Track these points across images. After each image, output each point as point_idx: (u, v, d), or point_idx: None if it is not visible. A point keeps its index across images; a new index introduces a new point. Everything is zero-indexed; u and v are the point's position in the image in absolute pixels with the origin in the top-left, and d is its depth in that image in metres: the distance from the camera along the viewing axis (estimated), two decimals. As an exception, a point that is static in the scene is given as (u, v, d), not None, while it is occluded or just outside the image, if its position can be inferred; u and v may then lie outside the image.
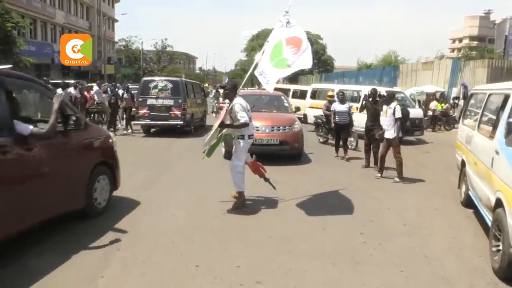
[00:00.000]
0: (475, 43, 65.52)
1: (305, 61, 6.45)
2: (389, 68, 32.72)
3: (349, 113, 10.99)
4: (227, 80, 7.62)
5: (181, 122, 14.59)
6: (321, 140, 13.44)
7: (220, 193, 6.44)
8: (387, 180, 8.52)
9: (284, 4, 6.97)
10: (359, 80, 32.86)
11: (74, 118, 5.20)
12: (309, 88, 19.23)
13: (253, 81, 65.93)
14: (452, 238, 5.40)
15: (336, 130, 11.03)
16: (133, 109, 14.95)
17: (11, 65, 16.22)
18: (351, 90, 17.27)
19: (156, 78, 15.83)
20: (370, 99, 9.76)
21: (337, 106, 10.99)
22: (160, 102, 14.46)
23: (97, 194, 5.58)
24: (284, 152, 9.98)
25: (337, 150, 10.96)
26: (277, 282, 4.01)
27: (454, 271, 4.44)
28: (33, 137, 4.37)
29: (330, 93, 13.50)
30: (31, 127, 4.38)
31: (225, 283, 3.94)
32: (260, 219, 5.87)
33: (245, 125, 6.16)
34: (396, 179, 8.44)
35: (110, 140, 6.12)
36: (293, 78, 56.96)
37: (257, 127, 9.30)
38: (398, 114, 8.35)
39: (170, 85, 14.72)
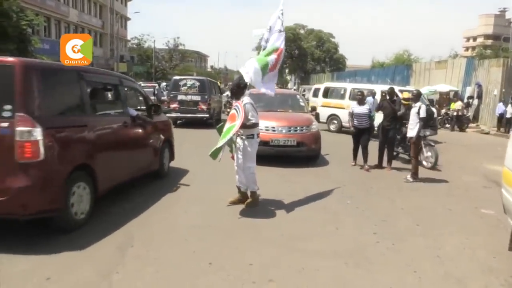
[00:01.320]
0: (489, 41, 64.72)
1: (272, 86, 6.99)
2: (402, 67, 32.44)
3: (369, 116, 9.57)
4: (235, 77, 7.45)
5: (207, 115, 16.84)
6: None
7: (233, 191, 6.45)
8: (399, 180, 8.47)
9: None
10: (371, 79, 32.65)
11: (154, 107, 7.61)
12: (321, 87, 19.14)
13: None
14: (465, 239, 5.36)
15: (354, 135, 9.69)
16: None
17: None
18: (364, 89, 17.23)
19: (185, 77, 18.68)
20: (387, 98, 9.69)
21: (355, 108, 9.57)
22: (189, 98, 16.78)
23: (165, 161, 7.88)
24: (301, 154, 9.66)
25: (355, 158, 9.71)
26: (289, 280, 4.03)
27: (468, 271, 4.40)
28: (137, 118, 6.72)
29: (406, 95, 10.51)
30: (136, 112, 6.83)
31: (237, 281, 3.96)
32: (272, 218, 5.88)
33: (256, 125, 6.15)
34: (409, 178, 8.39)
35: (170, 124, 8.53)
36: (305, 78, 57.00)
37: (273, 128, 9.27)
38: (423, 114, 8.25)
39: (197, 83, 17.16)
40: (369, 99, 12.11)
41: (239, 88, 6.25)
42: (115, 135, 6.04)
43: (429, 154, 9.74)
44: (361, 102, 9.58)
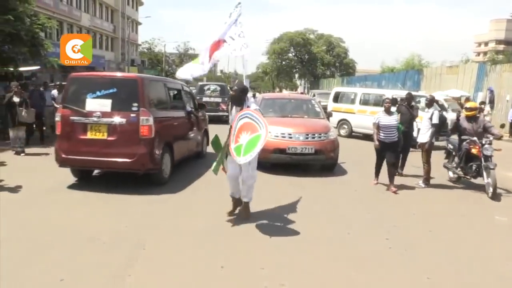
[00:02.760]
0: (501, 46, 64.17)
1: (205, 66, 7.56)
2: (413, 72, 32.23)
3: (398, 128, 8.14)
4: (236, 81, 7.33)
5: (227, 113, 22.02)
6: (451, 175, 8.96)
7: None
8: (411, 186, 8.39)
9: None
10: (382, 83, 32.49)
11: (200, 105, 10.36)
12: (331, 92, 19.10)
13: (274, 84, 66.02)
14: (479, 246, 5.30)
15: (379, 150, 8.21)
16: None
17: (39, 67, 16.38)
18: (373, 94, 17.15)
19: (209, 83, 23.94)
20: (405, 104, 9.50)
21: (382, 118, 8.04)
22: (212, 99, 20.58)
23: (204, 145, 10.40)
24: (318, 162, 9.29)
25: (377, 176, 8.39)
26: (301, 285, 4.01)
27: (483, 279, 4.35)
28: (191, 113, 9.30)
29: (471, 104, 8.65)
30: (190, 108, 9.40)
31: (249, 285, 3.96)
32: (284, 222, 5.86)
33: None
34: (421, 184, 8.31)
35: (207, 118, 11.20)
36: (315, 83, 56.87)
37: (290, 134, 8.94)
38: (435, 120, 8.14)
39: (218, 88, 21.66)
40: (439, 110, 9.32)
41: (243, 93, 5.73)
42: (181, 124, 8.78)
43: (489, 180, 7.74)
44: (389, 111, 8.09)
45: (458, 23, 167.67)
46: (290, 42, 58.77)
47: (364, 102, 16.57)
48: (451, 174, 8.95)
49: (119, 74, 8.55)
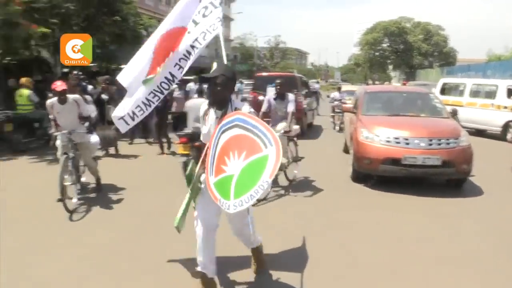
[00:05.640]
0: None
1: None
2: (527, 60, 29.10)
3: None
4: (214, 64, 3.52)
5: None
6: None
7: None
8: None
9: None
10: (487, 73, 29.76)
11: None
12: (438, 83, 17.62)
13: (366, 76, 63.99)
14: None
15: None
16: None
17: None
18: (483, 85, 15.47)
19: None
20: None
21: None
22: None
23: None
24: (445, 177, 7.27)
25: None
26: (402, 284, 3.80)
27: None
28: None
29: None
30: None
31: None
32: (387, 220, 5.46)
33: None
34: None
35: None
36: (411, 73, 54.07)
37: (406, 140, 6.85)
38: None
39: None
40: None
41: (228, 85, 3.38)
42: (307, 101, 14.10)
43: None
44: None
45: None
46: (384, 31, 56.68)
47: (474, 94, 15.08)
48: None
49: (284, 73, 16.90)
